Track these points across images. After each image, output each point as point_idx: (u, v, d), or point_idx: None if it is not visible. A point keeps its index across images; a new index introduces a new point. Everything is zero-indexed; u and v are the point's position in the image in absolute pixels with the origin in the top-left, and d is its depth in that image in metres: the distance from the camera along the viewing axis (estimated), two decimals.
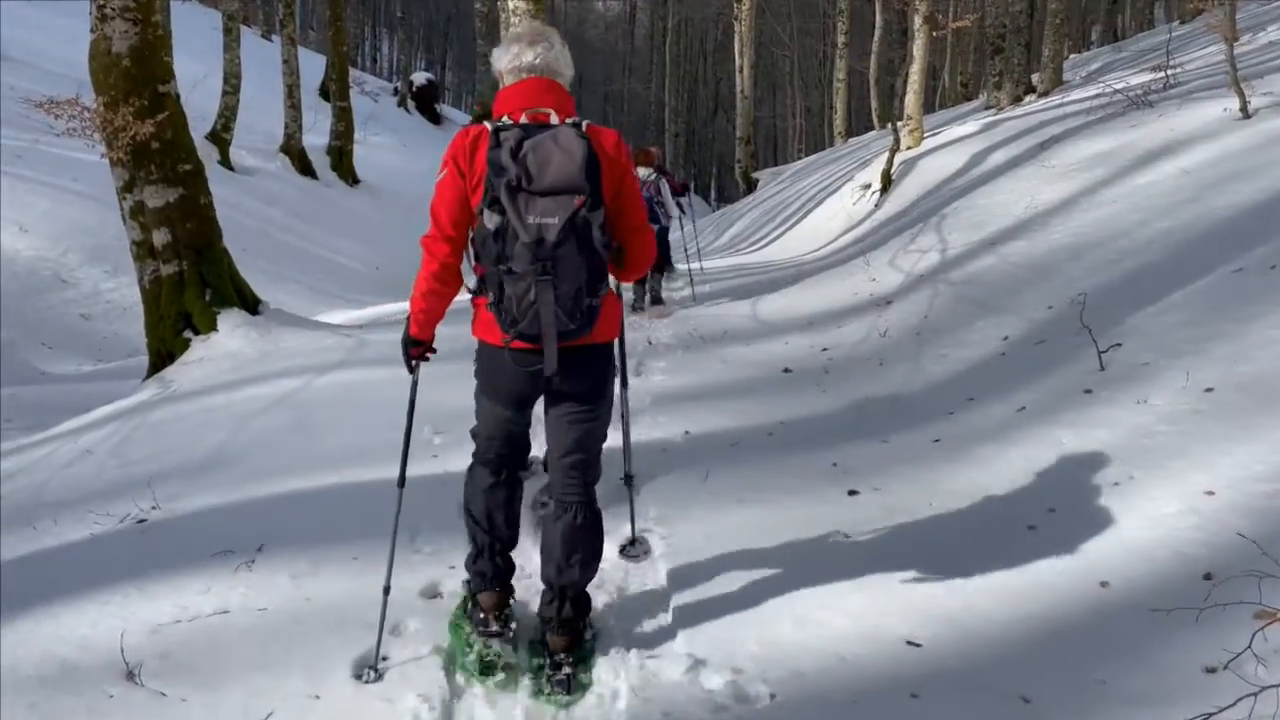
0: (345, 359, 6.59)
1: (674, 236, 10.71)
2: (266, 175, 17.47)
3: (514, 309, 2.53)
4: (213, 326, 7.19)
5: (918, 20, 13.36)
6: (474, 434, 3.02)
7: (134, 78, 7.02)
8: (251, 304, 7.63)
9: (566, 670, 2.84)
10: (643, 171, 8.57)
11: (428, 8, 54.66)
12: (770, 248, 14.36)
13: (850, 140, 25.81)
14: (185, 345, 7.17)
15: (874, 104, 25.36)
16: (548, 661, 2.88)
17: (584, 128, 2.58)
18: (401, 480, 3.16)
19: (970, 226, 8.76)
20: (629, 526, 3.69)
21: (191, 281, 7.26)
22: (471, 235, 2.68)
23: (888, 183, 12.79)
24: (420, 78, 33.13)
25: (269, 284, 13.41)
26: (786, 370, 6.24)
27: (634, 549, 3.61)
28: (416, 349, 2.98)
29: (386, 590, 3.06)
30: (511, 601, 3.08)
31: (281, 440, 5.02)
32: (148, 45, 7.09)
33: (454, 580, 3.42)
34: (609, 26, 61.06)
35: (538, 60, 2.69)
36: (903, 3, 16.58)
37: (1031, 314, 5.78)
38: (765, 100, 42.75)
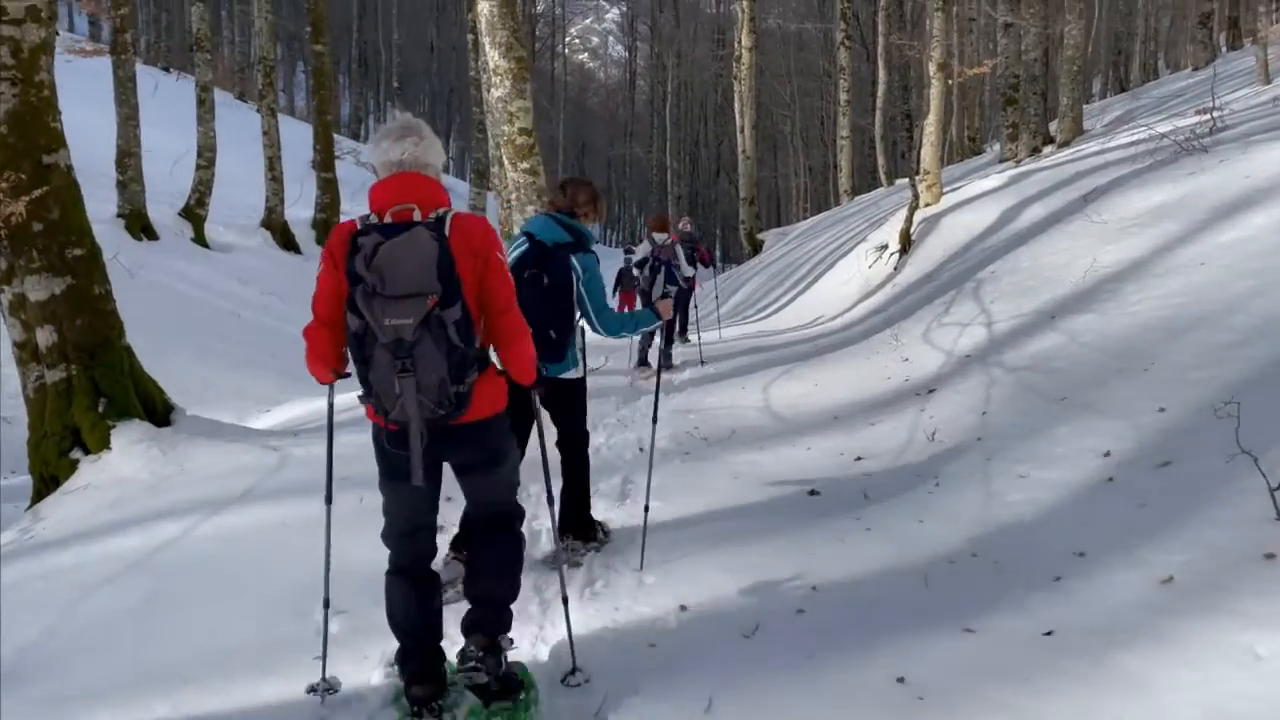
0: (254, 487, 5.13)
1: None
2: (244, 251, 16.21)
3: (383, 401, 2.63)
4: (105, 444, 5.75)
5: (931, 68, 12.08)
6: (384, 537, 3.01)
7: (11, 147, 5.66)
8: (161, 412, 6.20)
9: (478, 664, 2.85)
10: (659, 237, 8.99)
11: (431, 79, 54.26)
12: (781, 315, 12.93)
13: (857, 198, 24.57)
14: (72, 468, 5.73)
15: (880, 160, 24.12)
16: (459, 658, 2.92)
17: (448, 220, 2.65)
18: (329, 496, 3.29)
19: (1017, 293, 7.30)
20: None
21: (81, 389, 5.84)
22: None
23: (907, 243, 11.40)
24: None
25: (232, 369, 12.05)
26: (813, 493, 4.74)
27: (574, 677, 3.10)
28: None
29: (326, 604, 3.17)
30: (444, 694, 2.99)
31: (116, 633, 3.54)
32: (29, 109, 5.75)
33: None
34: (610, 94, 60.62)
35: (404, 155, 2.74)
36: (914, 52, 15.37)
37: (1137, 418, 4.29)
38: (767, 160, 41.71)
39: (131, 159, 14.35)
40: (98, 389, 5.88)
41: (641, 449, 6.00)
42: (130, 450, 5.72)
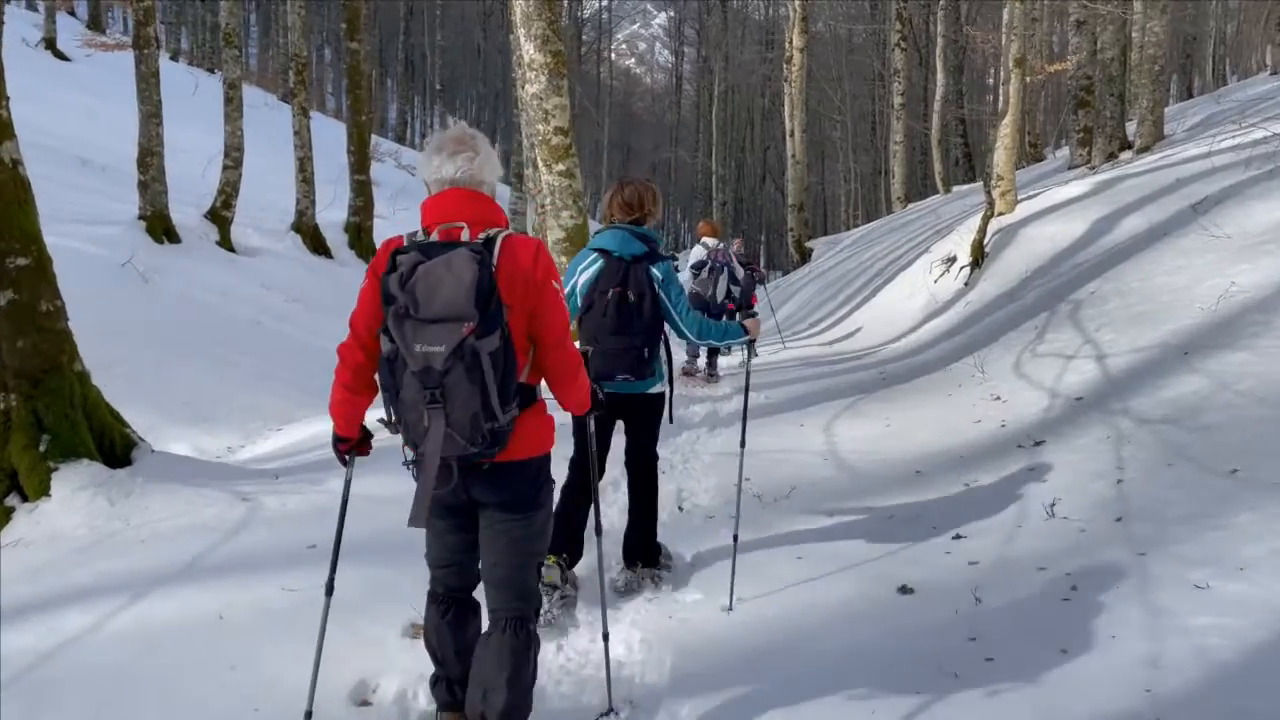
0: (203, 556, 4.11)
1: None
2: (271, 256, 15.33)
3: (411, 433, 2.40)
4: (44, 490, 4.77)
5: (1008, 63, 10.83)
6: (426, 557, 2.80)
7: None
8: (120, 450, 5.22)
9: None
10: (710, 241, 8.74)
11: (477, 83, 53.65)
12: (836, 331, 11.74)
13: (910, 206, 23.23)
14: (6, 517, 4.76)
15: (936, 167, 22.77)
16: None
17: (498, 242, 2.42)
18: (330, 588, 2.89)
19: (1129, 320, 6.09)
20: None
21: (20, 424, 4.87)
22: None
23: (980, 256, 10.16)
24: None
25: (247, 384, 11.12)
26: (905, 590, 3.60)
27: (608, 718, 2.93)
28: (343, 445, 2.78)
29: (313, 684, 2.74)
30: None
31: None
32: None
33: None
34: (655, 98, 59.60)
35: (459, 174, 2.51)
36: (989, 46, 14.11)
37: None
38: (814, 167, 40.28)
39: (154, 158, 13.51)
40: (40, 423, 4.91)
41: (682, 508, 4.89)
42: (72, 499, 4.73)
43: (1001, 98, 10.69)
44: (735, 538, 3.84)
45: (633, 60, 76.54)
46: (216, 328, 11.96)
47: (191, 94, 25.89)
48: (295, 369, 12.06)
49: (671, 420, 3.99)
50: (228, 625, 3.41)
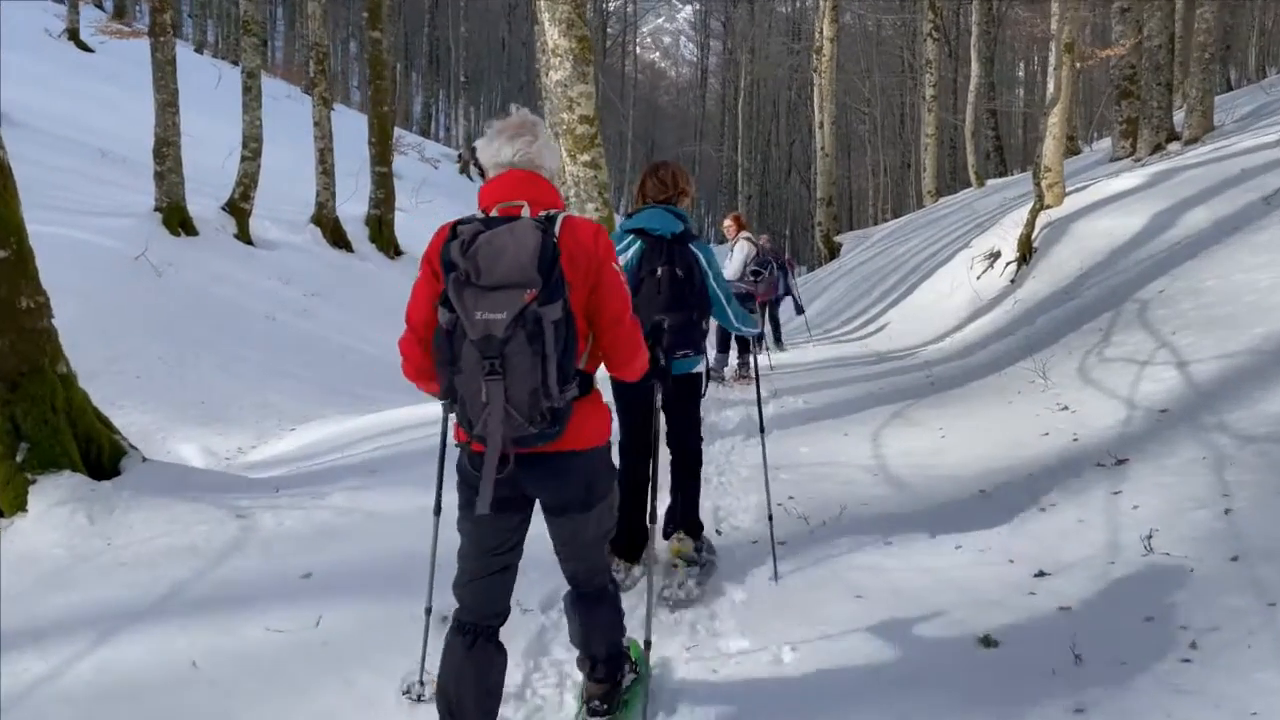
0: (186, 584, 3.64)
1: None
2: (290, 249, 14.92)
3: (468, 410, 2.27)
4: (21, 505, 4.33)
5: (1057, 49, 10.20)
6: (454, 586, 2.55)
7: None
8: (108, 459, 4.77)
9: (602, 712, 2.75)
10: (753, 238, 8.72)
11: (503, 77, 53.21)
12: (872, 329, 11.16)
13: (941, 200, 22.54)
14: None
15: (970, 159, 22.05)
16: (584, 706, 2.80)
17: (559, 220, 2.38)
18: (438, 508, 2.96)
19: (1209, 323, 5.51)
20: None
21: None
22: None
23: (1028, 251, 9.56)
24: None
25: (260, 381, 10.68)
26: (988, 643, 3.06)
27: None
28: None
29: (429, 611, 2.95)
30: None
31: None
32: None
33: None
34: (680, 92, 58.93)
35: (517, 157, 2.49)
36: (1039, 31, 13.45)
37: None
38: (841, 161, 39.51)
39: (170, 148, 13.12)
40: (18, 431, 4.46)
41: (720, 530, 4.37)
42: (50, 515, 4.28)
43: (1052, 85, 10.06)
44: (775, 574, 3.71)
45: (657, 54, 75.82)
46: (231, 322, 11.55)
47: (215, 86, 25.57)
48: (312, 365, 11.64)
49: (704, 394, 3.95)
50: (200, 676, 2.94)
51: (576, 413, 2.37)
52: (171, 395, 9.39)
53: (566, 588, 2.71)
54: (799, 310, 8.32)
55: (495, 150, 2.50)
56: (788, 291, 8.52)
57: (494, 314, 2.19)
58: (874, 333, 10.86)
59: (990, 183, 21.05)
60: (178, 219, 13.33)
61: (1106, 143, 20.73)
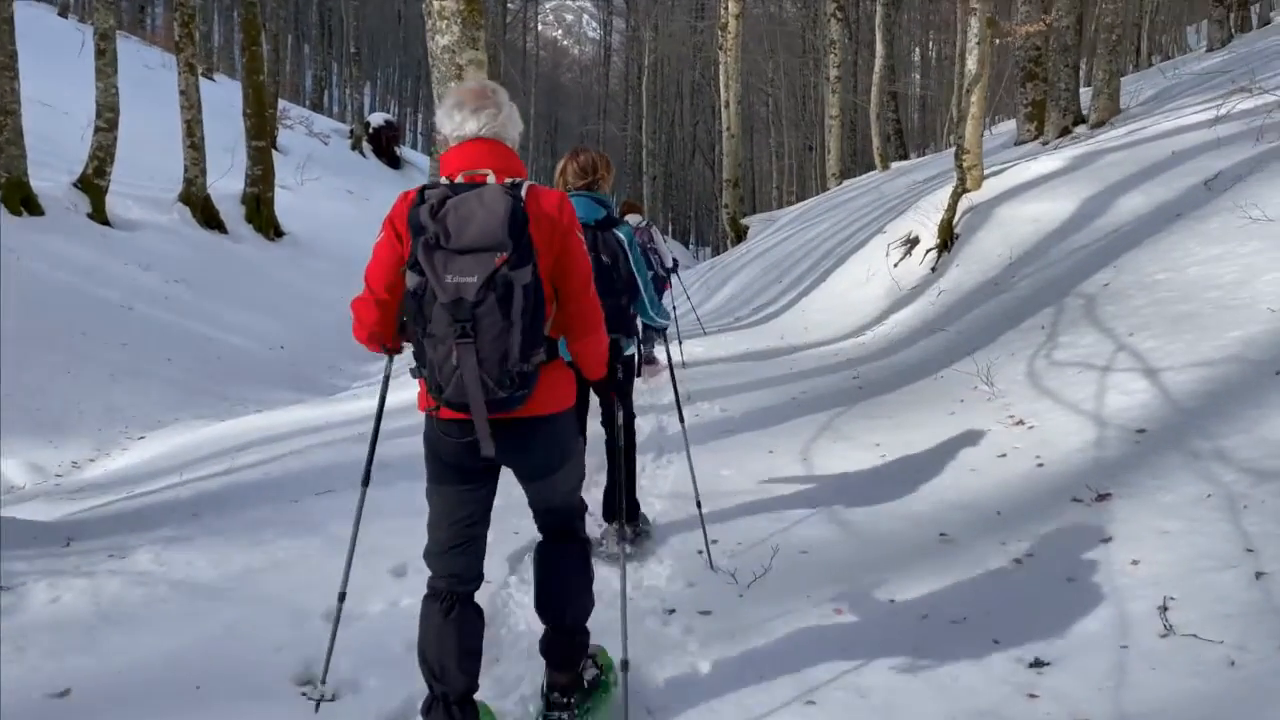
0: None
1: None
2: (153, 230, 13.39)
3: (437, 374, 2.27)
4: None
5: (974, 26, 9.56)
6: (426, 555, 2.56)
7: None
8: None
9: (563, 713, 2.64)
10: (633, 219, 7.37)
11: (400, 50, 51.02)
12: (784, 320, 10.42)
13: (846, 183, 22.06)
14: None
15: (875, 142, 21.62)
16: (544, 700, 2.69)
17: (524, 189, 2.35)
18: (366, 478, 2.81)
19: (1173, 323, 4.86)
20: None
21: None
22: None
23: (949, 237, 8.93)
24: (378, 118, 29.03)
25: (109, 381, 9.32)
26: None
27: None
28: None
29: (342, 597, 2.76)
30: None
31: None
32: None
33: None
34: (583, 70, 57.58)
35: (483, 129, 2.45)
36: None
37: None
38: (743, 143, 39.01)
39: (9, 118, 11.50)
40: None
41: (629, 596, 3.48)
42: None
43: (971, 62, 9.42)
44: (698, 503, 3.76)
45: (560, 32, 74.12)
46: (77, 315, 10.12)
47: (79, 53, 23.31)
48: (170, 362, 10.30)
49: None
50: None
51: (543, 378, 2.36)
52: None
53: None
54: (661, 271, 7.05)
55: (458, 123, 2.45)
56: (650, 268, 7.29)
57: (465, 277, 2.19)
58: (789, 322, 10.12)
59: (897, 165, 20.66)
60: (19, 196, 11.73)
61: (1008, 126, 20.54)
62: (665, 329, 4.32)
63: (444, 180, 2.37)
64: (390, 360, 2.73)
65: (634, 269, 3.69)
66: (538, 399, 2.35)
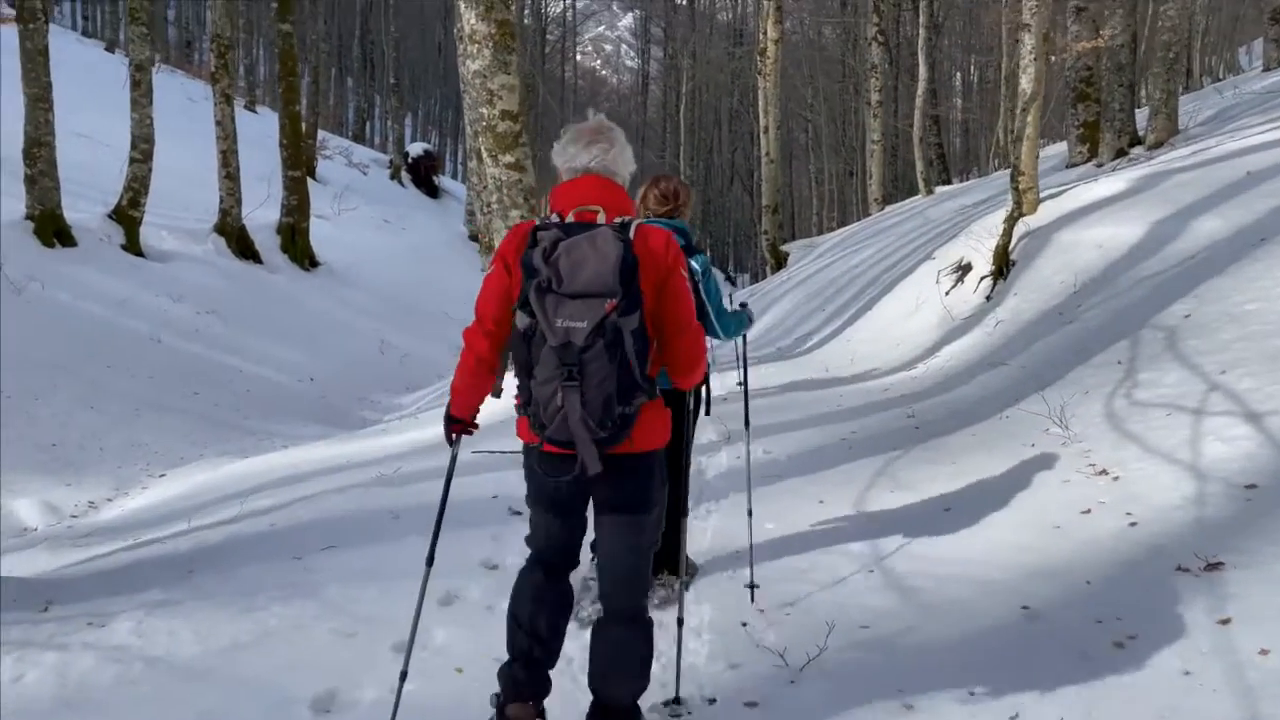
0: None
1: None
2: (187, 261, 13.27)
3: (541, 413, 2.33)
4: None
5: (1028, 42, 9.07)
6: (527, 541, 2.72)
7: None
8: None
9: None
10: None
11: (441, 81, 51.49)
12: (828, 350, 9.93)
13: (889, 208, 21.53)
14: None
15: (918, 166, 21.09)
16: None
17: (632, 228, 2.39)
18: (430, 558, 2.73)
19: (1271, 359, 4.35)
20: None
21: None
22: None
23: (1005, 264, 8.41)
24: (417, 148, 29.08)
25: (132, 415, 9.06)
26: None
27: (676, 707, 2.77)
28: (456, 426, 2.67)
29: (403, 676, 2.67)
30: None
31: None
32: None
33: None
34: (622, 99, 57.69)
35: (593, 163, 2.52)
36: (1008, 25, 12.41)
37: None
38: (783, 168, 38.55)
39: (43, 149, 11.45)
40: None
41: (680, 699, 3.02)
42: None
43: (1025, 80, 8.93)
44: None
45: (599, 62, 74.53)
46: (103, 347, 9.93)
47: (122, 85, 23.60)
48: (196, 396, 10.06)
49: (709, 413, 3.68)
50: None
51: (641, 415, 2.39)
52: (14, 435, 7.79)
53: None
54: None
55: (571, 156, 2.51)
56: None
57: (575, 322, 2.23)
58: (833, 353, 9.64)
59: (941, 190, 20.11)
60: (51, 229, 11.65)
61: (1058, 148, 19.92)
62: (750, 321, 3.96)
63: (554, 218, 2.39)
64: (458, 443, 2.71)
65: (705, 298, 3.58)
66: (636, 436, 2.41)
